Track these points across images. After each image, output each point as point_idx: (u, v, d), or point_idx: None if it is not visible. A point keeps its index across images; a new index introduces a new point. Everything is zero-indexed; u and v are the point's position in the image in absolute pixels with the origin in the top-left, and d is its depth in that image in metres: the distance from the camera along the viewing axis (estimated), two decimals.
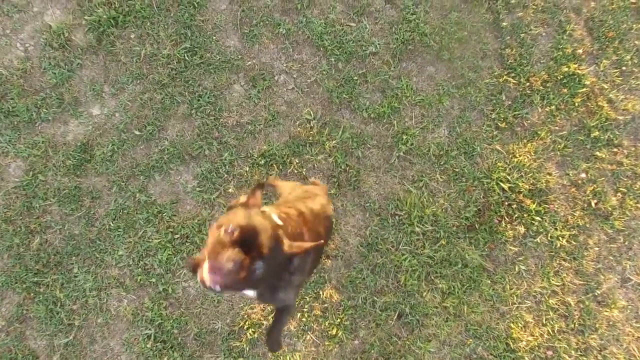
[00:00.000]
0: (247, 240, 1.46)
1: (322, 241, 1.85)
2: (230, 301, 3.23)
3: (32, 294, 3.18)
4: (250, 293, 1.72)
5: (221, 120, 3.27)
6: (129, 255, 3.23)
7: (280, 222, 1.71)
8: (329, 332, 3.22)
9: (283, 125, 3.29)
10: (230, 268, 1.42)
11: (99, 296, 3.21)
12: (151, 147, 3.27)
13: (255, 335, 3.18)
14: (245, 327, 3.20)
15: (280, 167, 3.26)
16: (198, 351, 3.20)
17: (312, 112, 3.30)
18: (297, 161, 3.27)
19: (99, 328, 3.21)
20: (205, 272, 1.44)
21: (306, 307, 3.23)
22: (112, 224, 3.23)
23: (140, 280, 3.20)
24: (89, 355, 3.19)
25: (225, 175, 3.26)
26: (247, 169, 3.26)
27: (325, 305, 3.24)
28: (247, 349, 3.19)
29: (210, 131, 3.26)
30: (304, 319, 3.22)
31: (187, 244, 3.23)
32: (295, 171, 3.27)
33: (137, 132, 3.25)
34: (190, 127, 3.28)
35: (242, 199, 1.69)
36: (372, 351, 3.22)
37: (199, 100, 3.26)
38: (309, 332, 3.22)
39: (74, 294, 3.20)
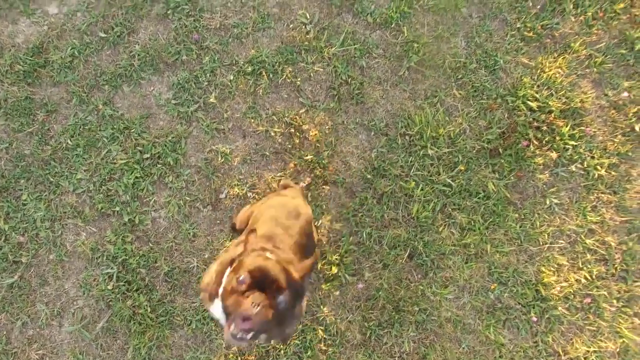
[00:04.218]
0: (260, 281, 1.54)
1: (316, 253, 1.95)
2: (209, 235, 2.71)
3: None
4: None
5: (202, 22, 2.79)
6: (89, 179, 2.71)
7: (273, 257, 1.71)
8: (327, 273, 2.69)
9: (274, 29, 2.81)
10: (258, 311, 1.49)
11: (52, 228, 2.69)
12: (119, 52, 2.78)
13: None
14: None
15: (271, 75, 2.77)
16: (169, 294, 2.67)
17: (308, 15, 2.82)
18: (291, 70, 2.78)
19: (52, 266, 2.68)
20: (233, 327, 1.51)
21: None
22: (70, 142, 2.72)
23: (101, 208, 2.68)
24: (38, 299, 2.65)
25: (206, 84, 2.76)
26: (232, 78, 2.76)
27: (323, 240, 2.72)
28: None
29: (189, 34, 2.77)
30: None
31: (158, 165, 2.72)
32: (288, 80, 2.77)
33: (102, 34, 2.76)
34: (166, 29, 2.79)
35: (238, 249, 1.75)
36: (379, 297, 2.69)
37: None
38: None
39: (22, 225, 2.68)
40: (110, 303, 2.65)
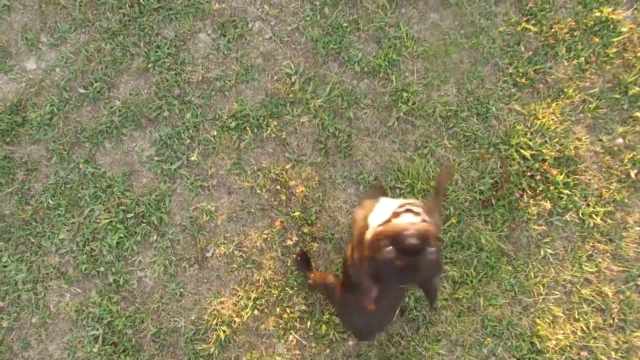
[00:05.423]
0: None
1: None
2: (196, 294, 2.65)
3: None
4: None
5: (184, 75, 2.71)
6: (72, 239, 2.65)
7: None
8: (317, 331, 2.64)
9: (258, 81, 2.73)
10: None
11: (34, 290, 2.63)
12: (99, 108, 2.70)
13: (226, 336, 2.60)
14: (214, 324, 2.62)
15: (256, 130, 2.69)
16: (157, 355, 2.62)
17: (292, 65, 2.74)
18: (276, 123, 2.71)
19: (35, 329, 2.63)
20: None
21: (287, 301, 2.65)
22: (51, 202, 2.65)
23: (85, 269, 2.63)
24: None
25: (189, 141, 2.69)
26: (215, 133, 2.69)
27: (312, 299, 2.66)
28: (216, 352, 2.61)
29: (171, 88, 2.70)
30: (285, 316, 2.64)
31: (142, 224, 2.65)
32: (274, 135, 2.70)
33: (82, 90, 2.69)
34: (147, 84, 2.72)
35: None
36: (370, 354, 2.64)
37: (157, 51, 2.70)
38: (292, 332, 2.64)
39: (3, 287, 2.63)
40: None
